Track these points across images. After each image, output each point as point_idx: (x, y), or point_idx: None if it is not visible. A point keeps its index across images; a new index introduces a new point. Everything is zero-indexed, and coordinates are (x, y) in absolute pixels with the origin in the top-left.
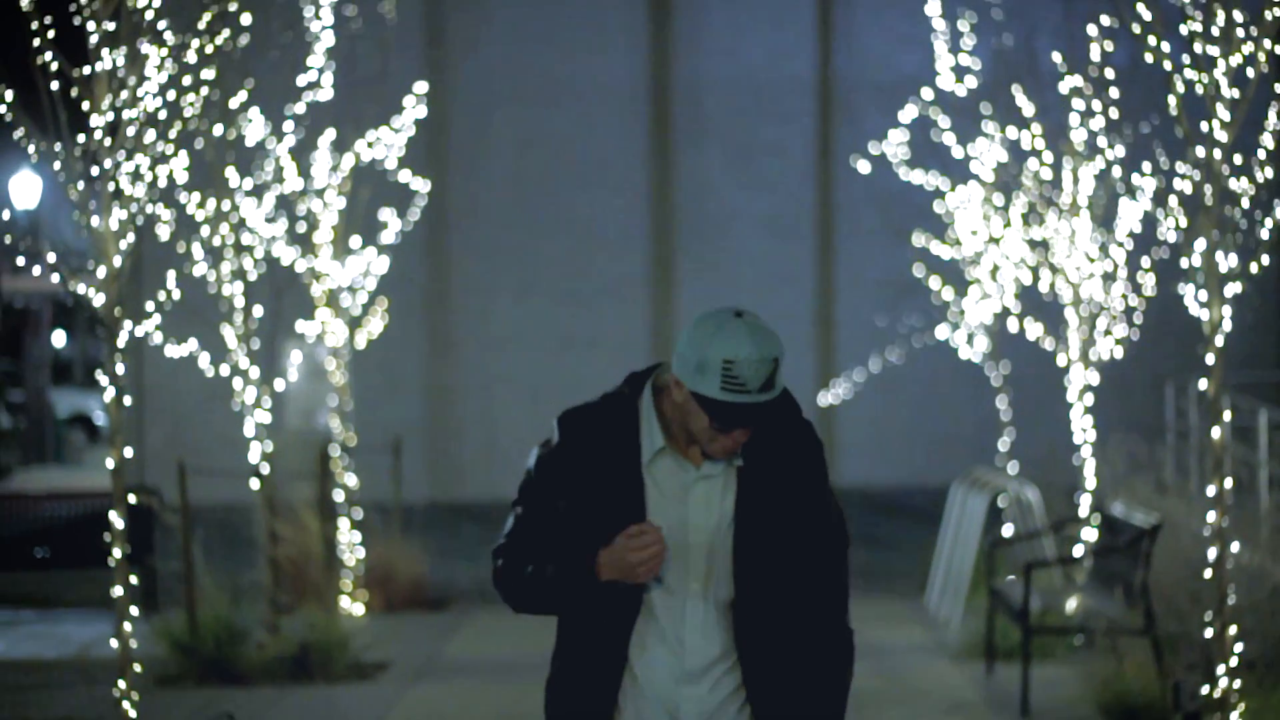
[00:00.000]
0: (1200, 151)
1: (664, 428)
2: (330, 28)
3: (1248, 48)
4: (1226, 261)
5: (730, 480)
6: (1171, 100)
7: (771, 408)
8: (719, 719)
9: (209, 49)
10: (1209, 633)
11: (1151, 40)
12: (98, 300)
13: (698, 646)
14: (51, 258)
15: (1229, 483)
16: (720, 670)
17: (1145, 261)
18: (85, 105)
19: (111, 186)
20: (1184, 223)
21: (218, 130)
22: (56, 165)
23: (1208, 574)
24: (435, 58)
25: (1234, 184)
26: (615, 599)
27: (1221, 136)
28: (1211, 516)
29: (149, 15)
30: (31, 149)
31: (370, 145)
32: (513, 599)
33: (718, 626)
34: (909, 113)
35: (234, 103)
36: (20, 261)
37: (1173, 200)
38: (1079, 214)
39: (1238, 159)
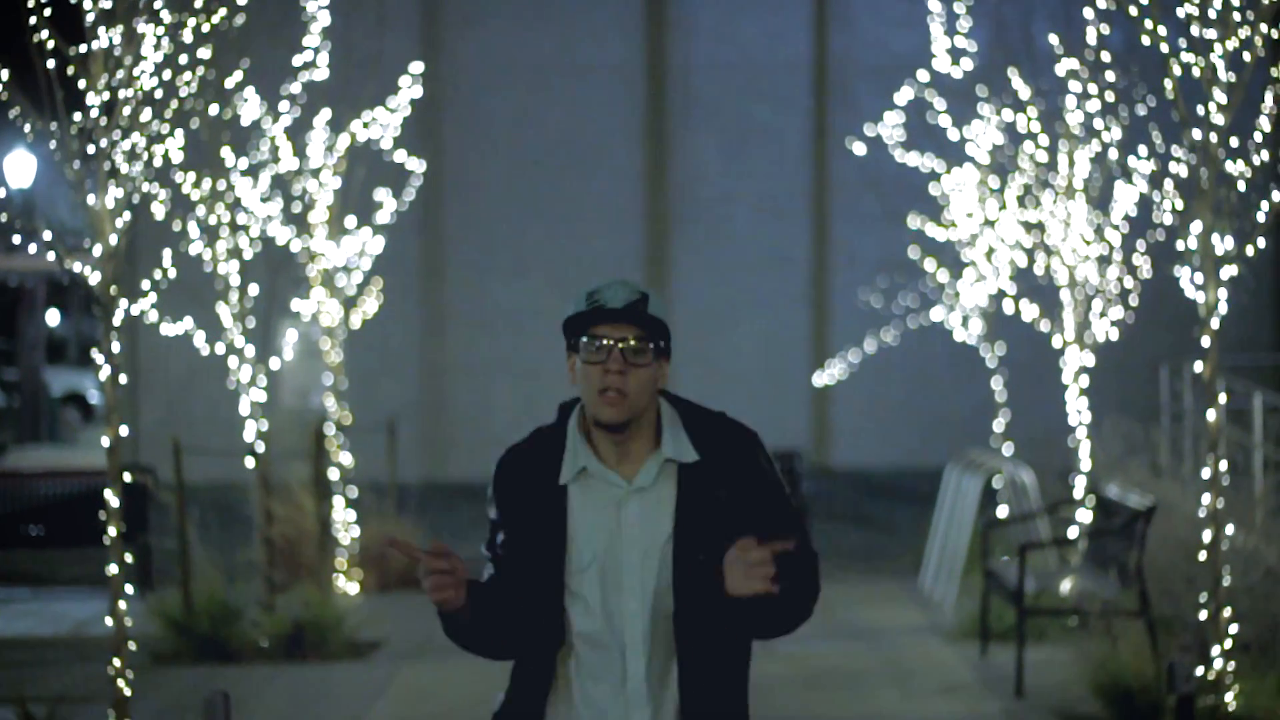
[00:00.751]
0: (1197, 134)
1: (594, 449)
2: (326, 7)
3: (1244, 31)
4: (1222, 244)
5: (667, 493)
6: (1168, 83)
7: (631, 315)
8: None
9: (205, 28)
10: (1203, 615)
11: (1148, 23)
12: (94, 279)
13: (641, 668)
14: (47, 236)
15: (1224, 465)
16: (671, 687)
17: (1141, 244)
18: (81, 84)
19: (107, 165)
20: (1180, 206)
21: (213, 109)
22: (52, 144)
23: (1202, 556)
24: (431, 38)
25: (1230, 167)
26: (537, 622)
27: (1218, 119)
28: (1206, 499)
29: None
30: (27, 127)
31: (366, 125)
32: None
33: (661, 644)
34: (904, 95)
35: (230, 82)
36: (15, 240)
37: (1169, 183)
38: (1074, 197)
39: (1234, 142)
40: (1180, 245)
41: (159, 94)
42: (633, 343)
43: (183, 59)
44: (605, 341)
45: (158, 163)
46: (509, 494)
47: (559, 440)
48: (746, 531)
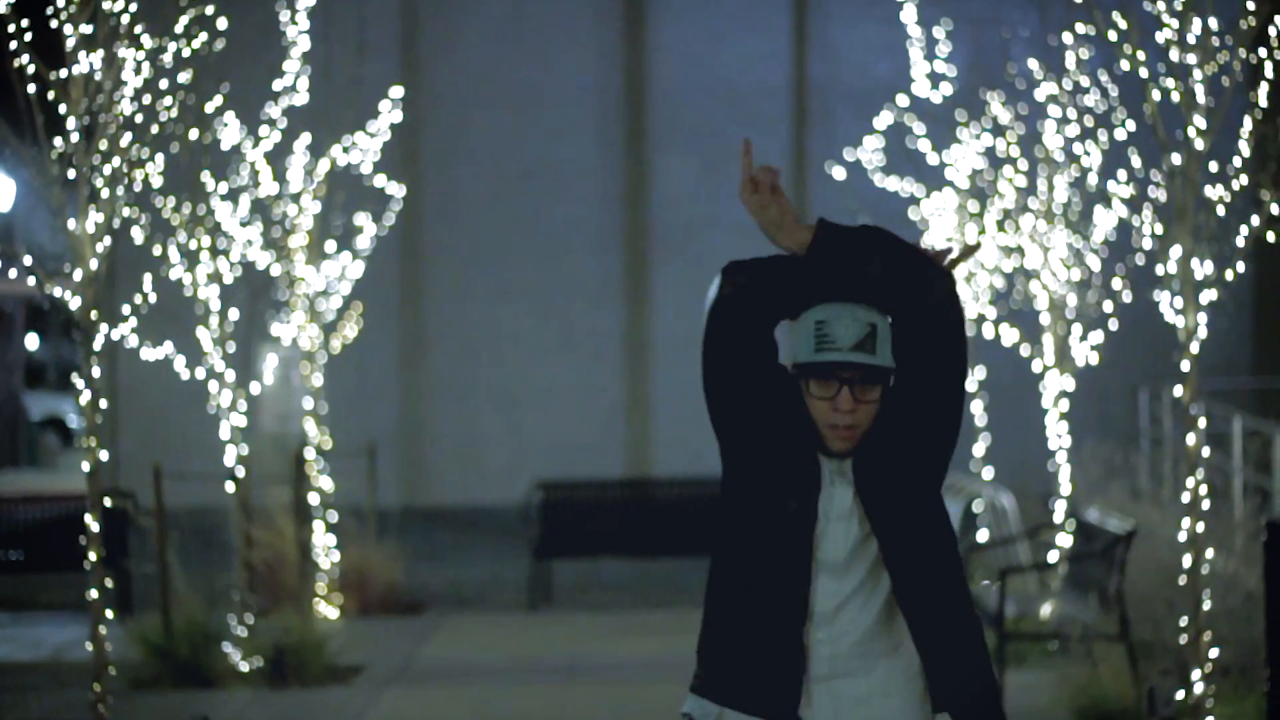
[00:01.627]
0: (1176, 159)
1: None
2: (306, 32)
3: (1223, 56)
4: (1202, 269)
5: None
6: (1147, 108)
7: (869, 366)
8: (850, 665)
9: (185, 53)
10: (1183, 639)
11: (1127, 48)
12: (74, 303)
13: (828, 587)
14: (27, 260)
15: (1203, 489)
16: (851, 610)
17: (1120, 268)
18: (62, 108)
19: (87, 190)
20: (1160, 230)
21: (193, 134)
22: (32, 168)
23: (1182, 580)
24: (411, 62)
25: (1210, 191)
26: (784, 562)
27: (1198, 144)
28: (1186, 523)
29: (125, 19)
30: (7, 152)
31: (346, 150)
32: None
33: (847, 570)
34: (884, 119)
35: (210, 107)
36: None
37: (1148, 208)
38: (1054, 221)
39: (1213, 166)
40: (1160, 270)
41: (139, 118)
42: (861, 383)
43: (163, 84)
44: (833, 381)
45: (138, 187)
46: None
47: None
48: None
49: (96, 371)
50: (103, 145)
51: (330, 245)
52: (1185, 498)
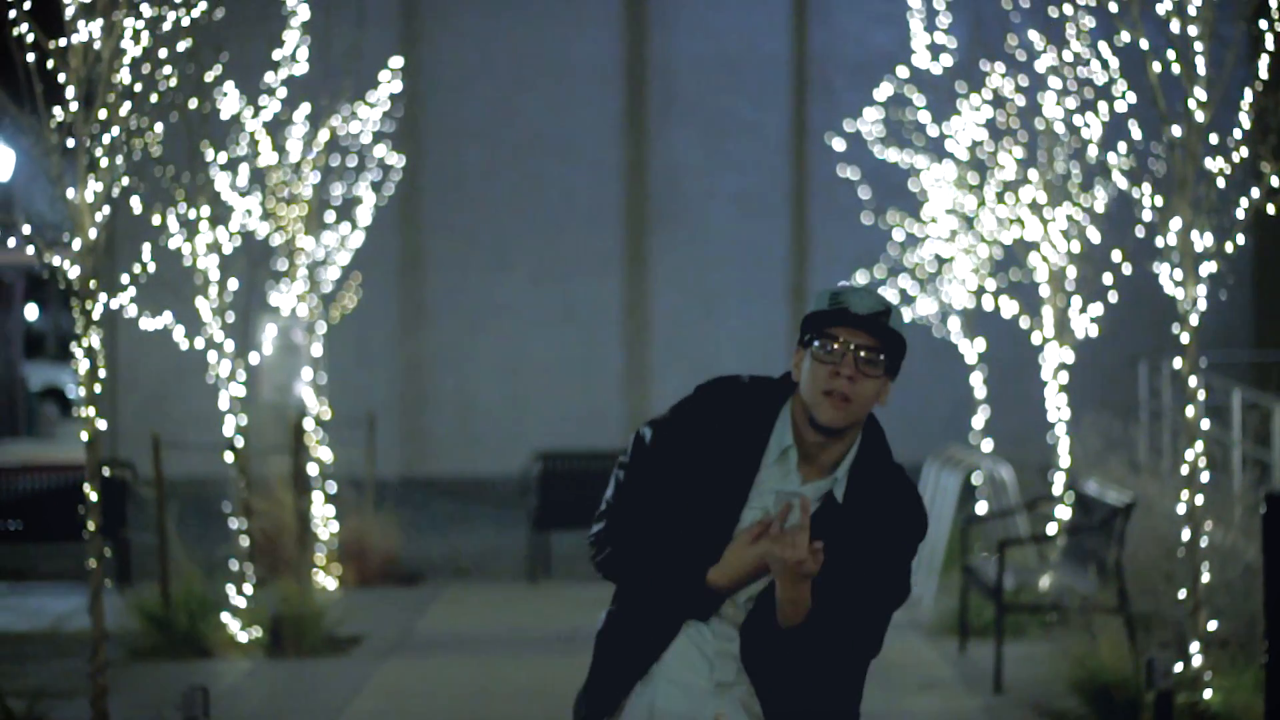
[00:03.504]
0: (1177, 131)
1: (797, 437)
2: (305, 1)
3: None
4: (1202, 241)
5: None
6: (1148, 80)
7: (872, 325)
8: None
9: (185, 21)
10: (1182, 611)
11: (1129, 20)
12: (73, 272)
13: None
14: (26, 230)
15: (1202, 462)
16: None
17: (1120, 240)
18: (61, 77)
19: (86, 159)
20: (1160, 202)
21: (193, 103)
22: (32, 137)
23: (1181, 553)
24: (411, 33)
25: (1210, 163)
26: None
27: (1198, 116)
28: (1185, 495)
29: None
30: (6, 120)
31: (345, 119)
32: (609, 569)
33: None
34: (884, 90)
35: (209, 76)
36: None
37: (1148, 179)
38: (1054, 193)
39: (1214, 139)
40: (1160, 242)
41: (138, 87)
42: (866, 353)
43: (162, 52)
44: (840, 344)
45: (137, 156)
46: (710, 430)
47: (772, 406)
48: (844, 566)
49: (95, 341)
50: (102, 114)
51: (330, 215)
52: (1184, 470)
